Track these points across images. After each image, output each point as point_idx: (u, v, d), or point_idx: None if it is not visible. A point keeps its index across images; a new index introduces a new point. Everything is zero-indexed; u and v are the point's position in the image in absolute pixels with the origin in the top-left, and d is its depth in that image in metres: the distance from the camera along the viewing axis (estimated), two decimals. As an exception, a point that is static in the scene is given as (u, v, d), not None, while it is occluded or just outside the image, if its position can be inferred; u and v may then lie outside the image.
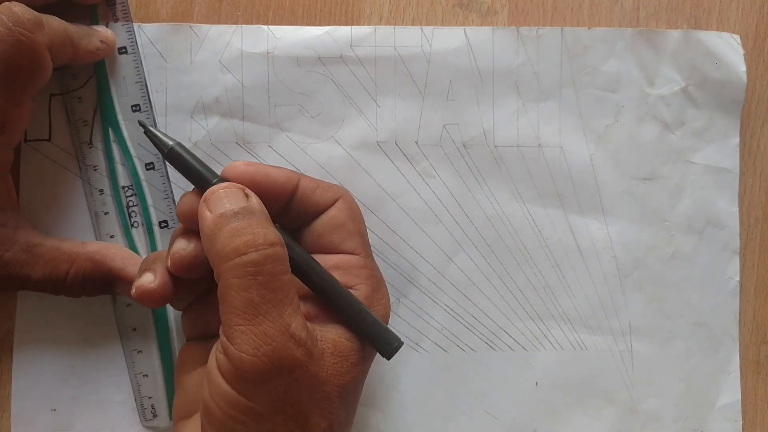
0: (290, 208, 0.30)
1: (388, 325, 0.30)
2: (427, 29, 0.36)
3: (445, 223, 0.36)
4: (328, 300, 0.29)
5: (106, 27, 0.34)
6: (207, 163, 0.29)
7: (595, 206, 0.36)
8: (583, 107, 0.36)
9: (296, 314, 0.26)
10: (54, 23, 0.30)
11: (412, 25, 0.36)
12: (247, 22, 0.35)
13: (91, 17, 0.34)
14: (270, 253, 0.26)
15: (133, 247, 0.34)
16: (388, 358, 0.29)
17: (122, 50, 0.34)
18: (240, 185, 0.28)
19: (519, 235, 0.36)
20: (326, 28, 0.35)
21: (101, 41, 0.32)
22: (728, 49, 0.37)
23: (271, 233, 0.27)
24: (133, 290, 0.29)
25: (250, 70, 0.35)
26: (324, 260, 0.30)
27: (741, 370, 0.37)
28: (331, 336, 0.28)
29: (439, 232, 0.36)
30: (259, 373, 0.25)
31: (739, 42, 0.37)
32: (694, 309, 0.37)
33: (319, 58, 0.35)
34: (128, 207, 0.34)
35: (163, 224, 0.34)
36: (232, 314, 0.25)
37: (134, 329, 0.34)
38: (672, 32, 0.37)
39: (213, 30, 0.35)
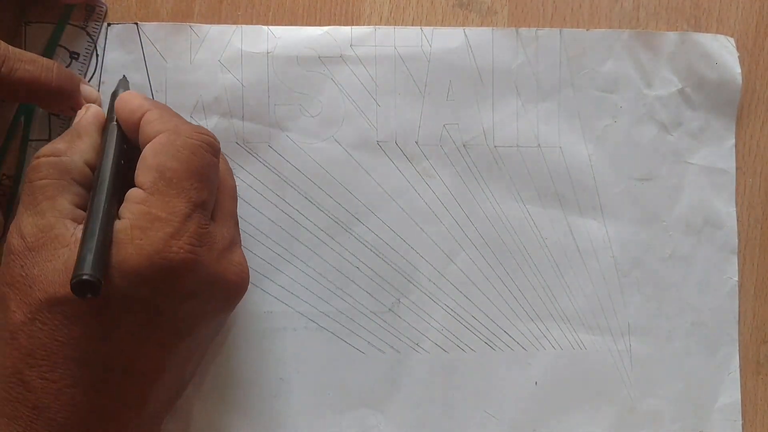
0: (139, 139, 0.31)
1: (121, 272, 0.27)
2: (427, 29, 0.36)
3: (445, 223, 0.36)
4: (92, 219, 0.28)
5: (88, 35, 0.35)
6: None
7: (593, 206, 0.37)
8: (581, 108, 0.37)
9: (35, 215, 0.29)
10: (19, 67, 0.30)
11: (412, 24, 0.37)
12: (247, 22, 0.36)
13: (61, 19, 0.34)
14: (32, 164, 0.30)
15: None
16: (72, 289, 0.26)
17: (74, 55, 0.35)
18: (89, 105, 0.32)
19: (518, 235, 0.37)
20: (326, 28, 0.36)
21: (75, 103, 0.33)
22: (724, 52, 0.37)
23: (45, 148, 0.30)
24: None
25: (250, 69, 0.36)
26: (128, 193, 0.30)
27: (741, 370, 0.38)
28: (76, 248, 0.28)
29: (439, 232, 0.36)
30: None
31: (734, 45, 0.38)
32: (693, 309, 0.37)
33: (319, 57, 0.36)
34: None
35: None
36: None
37: None
38: (668, 34, 0.37)
39: (213, 30, 0.36)
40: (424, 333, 0.36)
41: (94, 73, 0.35)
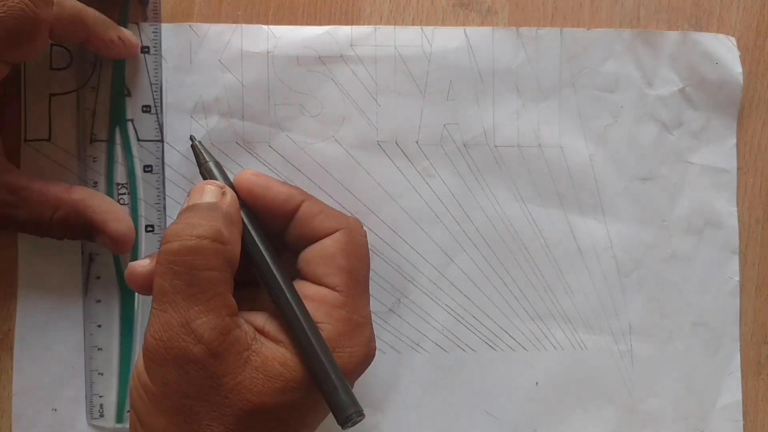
0: (290, 229, 0.31)
1: (353, 387, 0.29)
2: (428, 29, 0.37)
3: (446, 223, 0.37)
4: (286, 320, 0.28)
5: (137, 26, 0.35)
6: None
7: (594, 206, 0.37)
8: (582, 107, 0.37)
9: (209, 313, 0.27)
10: (67, 3, 0.31)
11: (412, 24, 0.37)
12: (247, 22, 0.36)
13: (121, 15, 0.35)
14: (192, 246, 0.27)
15: None
16: (342, 426, 0.27)
17: (145, 49, 0.35)
18: (221, 184, 0.30)
19: (519, 235, 0.37)
20: (326, 28, 0.36)
21: (119, 37, 0.33)
22: (725, 51, 0.38)
23: (207, 228, 0.27)
24: (127, 271, 0.30)
25: (250, 69, 0.36)
26: (302, 288, 0.30)
27: (742, 370, 0.38)
28: (269, 353, 0.28)
29: (440, 232, 0.37)
30: (154, 354, 0.27)
31: (735, 44, 0.38)
32: (694, 309, 0.38)
33: (320, 57, 0.36)
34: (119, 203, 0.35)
35: (149, 228, 0.35)
36: (153, 297, 0.28)
37: (99, 326, 0.35)
38: (670, 34, 0.38)
39: (213, 29, 0.36)
40: (425, 333, 0.37)
41: (91, 74, 0.35)
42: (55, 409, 0.35)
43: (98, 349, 0.34)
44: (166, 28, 0.36)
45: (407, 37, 0.37)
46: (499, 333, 0.37)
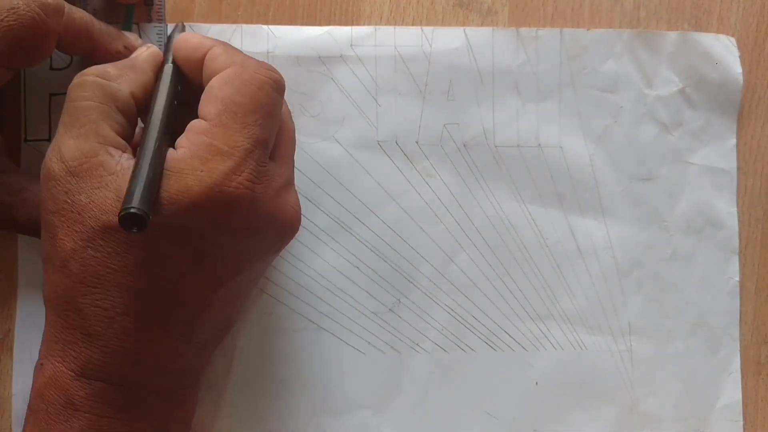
0: (203, 77, 0.31)
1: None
2: (428, 29, 0.37)
3: (446, 223, 0.37)
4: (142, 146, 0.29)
5: (138, 33, 0.35)
6: None
7: (594, 206, 0.37)
8: (582, 108, 0.37)
9: (78, 138, 0.28)
10: (76, 14, 0.31)
11: (413, 24, 0.37)
12: (247, 22, 0.36)
13: (126, 18, 0.35)
14: (77, 82, 0.30)
15: None
16: (119, 223, 0.26)
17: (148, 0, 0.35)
18: (150, 45, 0.33)
19: (519, 235, 0.37)
20: (326, 28, 0.36)
21: (125, 47, 0.33)
22: (725, 51, 0.38)
23: (94, 69, 0.30)
24: None
25: (251, 69, 0.36)
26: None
27: (742, 371, 0.38)
28: (126, 178, 0.28)
29: (440, 232, 0.37)
30: (40, 177, 0.30)
31: (735, 44, 0.38)
32: (694, 309, 0.38)
33: (320, 57, 0.36)
34: None
35: None
36: None
37: None
38: (669, 34, 0.38)
39: (213, 29, 0.36)
40: (425, 333, 0.37)
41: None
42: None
43: None
44: (166, 27, 0.36)
45: (407, 38, 0.37)
46: (498, 333, 0.37)
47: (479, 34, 0.37)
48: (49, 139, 0.35)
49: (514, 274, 0.37)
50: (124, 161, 0.28)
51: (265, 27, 0.36)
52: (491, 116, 0.37)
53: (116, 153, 0.29)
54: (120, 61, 0.31)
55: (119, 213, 0.26)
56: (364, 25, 0.37)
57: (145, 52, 0.32)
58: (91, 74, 0.30)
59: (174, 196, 0.27)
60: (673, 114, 0.38)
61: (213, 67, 0.30)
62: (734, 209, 0.38)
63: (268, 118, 0.30)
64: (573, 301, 0.37)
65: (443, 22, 0.37)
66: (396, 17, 0.37)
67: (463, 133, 0.37)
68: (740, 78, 0.38)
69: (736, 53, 0.38)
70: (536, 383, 0.37)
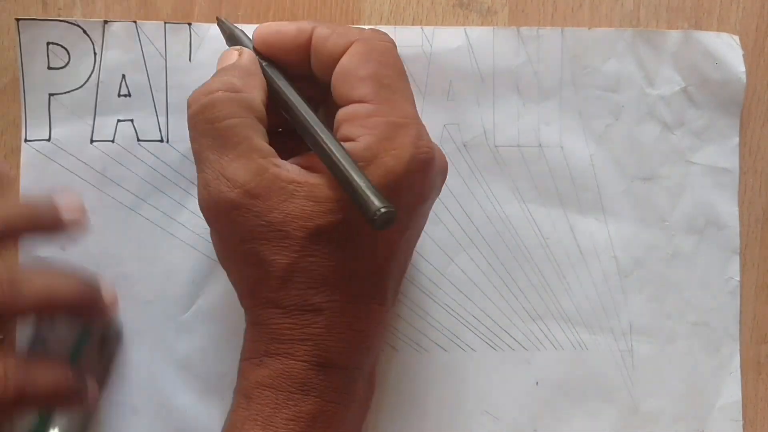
0: (313, 63, 0.31)
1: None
2: (428, 29, 0.37)
3: (446, 223, 0.37)
4: (313, 148, 0.29)
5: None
6: None
7: (595, 206, 0.37)
8: (583, 107, 0.37)
9: (240, 158, 0.28)
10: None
11: (413, 24, 0.37)
12: (247, 22, 0.36)
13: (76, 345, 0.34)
14: (206, 102, 0.29)
15: None
16: (372, 227, 0.26)
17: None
18: (238, 47, 0.32)
19: (519, 235, 0.37)
20: (326, 28, 0.36)
21: None
22: (728, 50, 0.38)
23: (217, 83, 0.29)
24: None
25: (251, 69, 0.36)
26: (338, 115, 0.30)
27: (741, 370, 0.38)
28: (314, 181, 0.28)
29: (440, 232, 0.37)
30: (206, 215, 0.29)
31: (738, 43, 0.38)
32: (695, 309, 0.38)
33: (320, 57, 0.36)
34: None
35: None
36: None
37: None
38: (672, 33, 0.38)
39: (213, 29, 0.36)
40: (425, 332, 0.37)
41: (92, 73, 0.35)
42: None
43: None
44: (166, 27, 0.36)
45: (407, 37, 0.37)
46: (499, 333, 0.37)
47: (479, 33, 0.37)
48: (50, 139, 0.35)
49: (515, 274, 0.37)
50: (293, 168, 0.29)
51: (265, 27, 0.36)
52: (491, 116, 0.37)
53: (278, 162, 0.29)
54: (232, 69, 0.30)
55: (373, 217, 0.26)
56: (364, 24, 0.37)
57: (246, 55, 0.31)
58: (220, 90, 0.29)
59: (382, 181, 0.28)
60: (675, 113, 0.38)
61: (329, 48, 0.30)
62: (735, 209, 0.38)
63: (407, 78, 0.31)
64: (573, 301, 0.37)
65: (443, 22, 0.37)
66: (396, 17, 0.37)
67: (463, 133, 0.37)
68: (743, 77, 0.38)
69: (740, 51, 0.38)
70: (536, 383, 0.37)
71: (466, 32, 0.37)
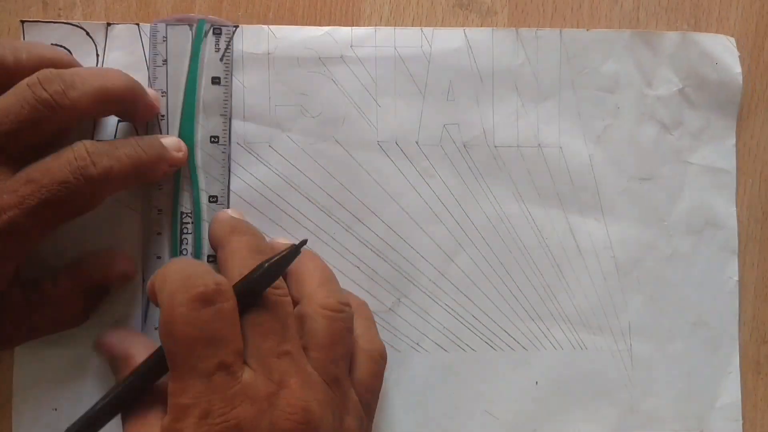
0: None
1: None
2: (427, 30, 0.37)
3: (446, 223, 0.37)
4: None
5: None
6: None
7: (594, 206, 0.38)
8: (582, 108, 0.38)
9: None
10: (121, 161, 0.31)
11: (412, 24, 0.37)
12: (247, 22, 0.37)
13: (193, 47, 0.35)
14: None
15: None
16: None
17: (215, 80, 0.35)
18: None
19: (519, 235, 0.37)
20: (327, 29, 0.37)
21: (169, 166, 0.33)
22: (724, 51, 0.38)
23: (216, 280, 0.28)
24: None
25: (251, 70, 0.36)
26: None
27: (741, 370, 0.38)
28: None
29: (440, 232, 0.37)
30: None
31: (734, 44, 0.38)
32: (694, 309, 0.38)
33: (320, 58, 0.36)
34: (182, 233, 0.35)
35: (210, 258, 0.35)
36: None
37: (159, 234, 0.35)
38: (669, 34, 0.38)
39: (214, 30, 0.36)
40: (425, 333, 0.37)
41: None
42: (55, 409, 0.35)
43: (158, 234, 0.35)
44: (167, 30, 0.36)
45: (407, 38, 0.37)
46: (498, 333, 0.37)
47: (479, 34, 0.37)
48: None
49: (514, 274, 0.37)
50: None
51: (265, 27, 0.36)
52: (491, 116, 0.37)
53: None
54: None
55: None
56: (364, 25, 0.37)
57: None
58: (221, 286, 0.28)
59: None
60: (673, 114, 0.38)
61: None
62: (734, 209, 0.38)
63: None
64: (573, 301, 0.38)
65: (443, 23, 0.38)
66: (396, 17, 0.37)
67: (463, 133, 0.37)
68: (740, 78, 0.38)
69: (736, 53, 0.38)
70: (536, 383, 0.37)
71: (465, 33, 0.37)
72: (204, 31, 0.35)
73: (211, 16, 0.36)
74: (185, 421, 0.26)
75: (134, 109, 0.33)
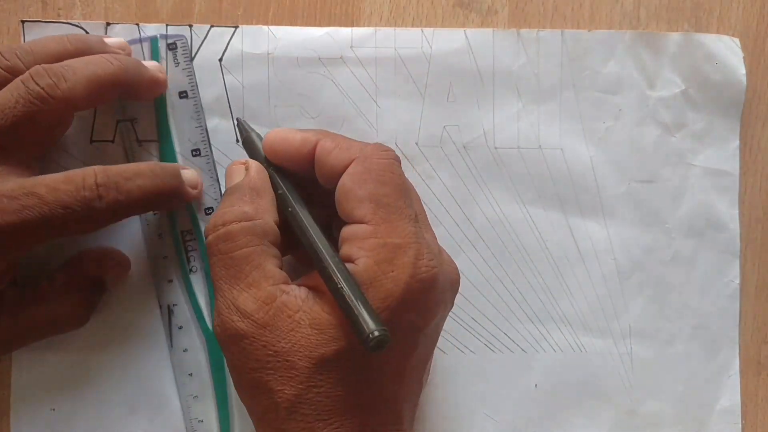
0: (317, 173, 0.31)
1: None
2: (428, 31, 0.37)
3: (445, 225, 0.37)
4: (318, 269, 0.29)
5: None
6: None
7: (595, 208, 0.37)
8: (583, 109, 0.37)
9: (250, 288, 0.28)
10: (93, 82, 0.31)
11: (413, 25, 0.37)
12: (247, 23, 0.36)
13: (159, 113, 0.35)
14: (221, 234, 0.29)
15: (191, 291, 0.35)
16: (366, 349, 0.26)
17: (183, 94, 0.35)
18: (244, 161, 0.32)
19: (519, 237, 0.37)
20: (326, 29, 0.36)
21: (182, 201, 0.34)
22: (728, 52, 0.38)
23: (230, 214, 0.30)
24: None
25: (251, 70, 0.36)
26: (342, 232, 0.30)
27: (742, 371, 0.38)
28: (317, 307, 0.28)
29: (440, 234, 0.37)
30: (219, 341, 0.29)
31: (739, 45, 0.38)
32: (694, 312, 0.38)
33: (320, 58, 0.36)
34: (187, 252, 0.35)
35: (208, 211, 0.35)
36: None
37: (190, 375, 0.35)
38: (672, 35, 0.38)
39: (213, 30, 0.36)
40: (424, 334, 0.37)
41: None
42: (54, 409, 0.35)
43: (194, 397, 0.35)
44: (167, 29, 0.36)
45: (407, 39, 0.37)
46: (498, 335, 0.37)
47: (479, 35, 0.37)
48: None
49: (514, 276, 0.37)
50: (301, 292, 0.29)
51: (265, 28, 0.36)
52: (491, 118, 0.37)
53: (288, 288, 0.29)
54: (241, 193, 0.31)
55: (366, 340, 0.26)
56: (364, 25, 0.37)
57: (253, 171, 0.31)
58: (232, 221, 0.29)
59: (381, 304, 0.28)
60: (676, 115, 0.38)
61: (331, 163, 0.30)
62: (736, 212, 0.38)
63: (410, 194, 0.31)
64: (573, 304, 0.37)
65: (443, 23, 0.37)
66: (396, 18, 0.37)
67: (463, 134, 0.37)
68: (743, 79, 0.38)
69: (740, 54, 0.38)
70: (535, 385, 0.37)
71: (466, 34, 0.37)
72: (158, 48, 0.35)
73: (165, 30, 0.35)
74: (398, 259, 0.28)
75: (135, 89, 0.33)
